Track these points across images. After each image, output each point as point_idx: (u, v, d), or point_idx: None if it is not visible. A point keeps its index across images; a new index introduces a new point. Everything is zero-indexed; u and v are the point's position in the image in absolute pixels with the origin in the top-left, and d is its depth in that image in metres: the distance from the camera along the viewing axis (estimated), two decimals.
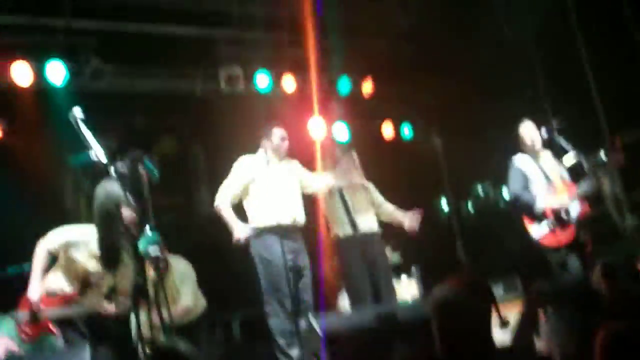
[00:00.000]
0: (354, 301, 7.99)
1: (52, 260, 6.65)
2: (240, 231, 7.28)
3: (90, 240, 5.61)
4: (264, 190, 7.47)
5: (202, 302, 8.35)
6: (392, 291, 8.17)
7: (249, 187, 7.56)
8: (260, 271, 7.31)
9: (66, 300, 6.58)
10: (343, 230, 8.03)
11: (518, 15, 10.53)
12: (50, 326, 6.61)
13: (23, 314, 6.59)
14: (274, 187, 7.46)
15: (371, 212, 8.24)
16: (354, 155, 8.39)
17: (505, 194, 10.83)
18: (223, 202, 7.51)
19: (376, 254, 8.05)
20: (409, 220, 8.22)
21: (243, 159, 7.70)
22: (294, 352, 7.02)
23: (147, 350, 5.50)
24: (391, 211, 8.38)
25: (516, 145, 8.15)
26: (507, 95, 10.02)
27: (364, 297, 7.75)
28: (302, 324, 6.76)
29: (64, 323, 6.48)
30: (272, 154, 7.62)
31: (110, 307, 6.44)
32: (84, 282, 6.46)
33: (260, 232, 7.33)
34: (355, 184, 8.25)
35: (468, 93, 10.83)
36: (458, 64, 10.78)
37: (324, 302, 8.00)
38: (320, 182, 7.94)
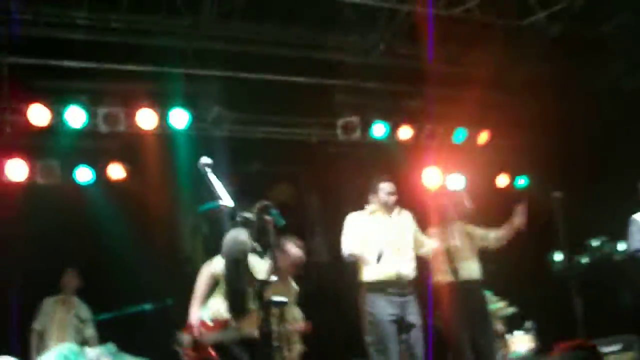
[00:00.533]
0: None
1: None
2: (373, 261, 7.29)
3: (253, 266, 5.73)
4: (371, 245, 7.40)
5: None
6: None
7: (362, 239, 7.51)
8: (366, 325, 7.29)
9: (224, 324, 6.78)
10: (444, 277, 8.02)
11: (635, 66, 10.40)
12: (210, 350, 6.77)
13: (187, 337, 6.83)
14: (381, 241, 7.38)
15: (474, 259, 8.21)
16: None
17: (621, 248, 10.64)
18: (351, 246, 7.46)
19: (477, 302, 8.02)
20: (517, 218, 8.18)
21: (351, 215, 7.70)
22: None
23: None
24: (497, 232, 8.36)
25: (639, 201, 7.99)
26: (628, 148, 9.83)
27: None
28: None
29: (222, 348, 6.69)
30: (379, 209, 7.63)
31: None
32: None
33: (368, 286, 7.31)
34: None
35: (587, 145, 10.70)
36: (576, 115, 10.67)
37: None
38: (429, 245, 7.87)
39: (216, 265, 6.84)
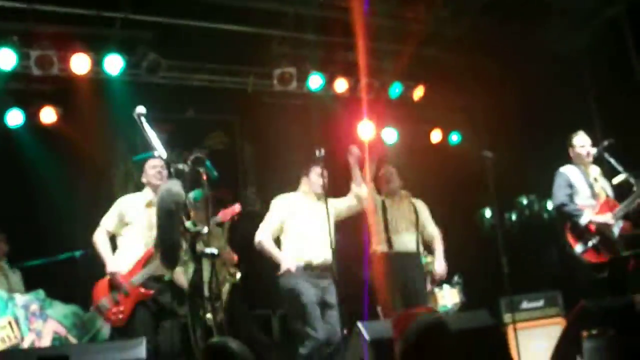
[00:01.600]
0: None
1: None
2: (289, 262, 7.34)
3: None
4: (298, 229, 7.52)
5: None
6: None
7: (285, 224, 7.61)
8: (289, 303, 7.39)
9: (144, 262, 6.88)
10: (381, 247, 8.10)
11: (572, 30, 10.52)
12: (142, 291, 6.79)
13: (105, 299, 6.82)
14: (307, 226, 7.49)
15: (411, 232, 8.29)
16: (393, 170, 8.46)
17: (550, 206, 10.86)
18: (265, 237, 7.56)
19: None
20: (438, 266, 8.31)
21: (281, 197, 7.77)
22: None
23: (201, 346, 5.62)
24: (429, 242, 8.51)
25: (567, 156, 8.12)
26: (557, 108, 10.00)
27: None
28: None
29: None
30: (309, 193, 7.70)
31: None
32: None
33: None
34: (400, 200, 8.36)
35: (518, 103, 10.85)
36: (509, 74, 10.80)
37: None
38: (349, 201, 7.93)
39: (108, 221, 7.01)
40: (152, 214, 6.61)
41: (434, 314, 4.25)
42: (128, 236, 7.05)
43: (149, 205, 7.00)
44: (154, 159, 7.03)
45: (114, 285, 6.81)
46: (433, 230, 8.44)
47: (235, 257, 8.76)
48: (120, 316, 6.76)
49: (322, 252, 7.31)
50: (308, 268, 7.36)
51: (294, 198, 7.75)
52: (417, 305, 7.62)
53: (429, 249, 8.55)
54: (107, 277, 6.87)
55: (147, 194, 7.16)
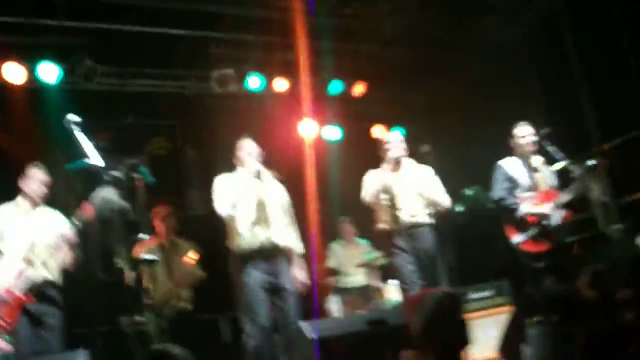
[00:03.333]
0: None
1: None
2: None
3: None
4: (243, 211, 7.17)
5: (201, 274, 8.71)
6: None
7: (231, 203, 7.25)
8: (238, 292, 7.23)
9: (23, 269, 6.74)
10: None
11: (510, 19, 10.62)
12: (24, 297, 6.68)
13: None
14: (251, 207, 7.17)
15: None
16: None
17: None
18: (225, 207, 7.16)
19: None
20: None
21: (220, 177, 7.41)
22: None
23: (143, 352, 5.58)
24: None
25: (509, 148, 8.17)
26: (498, 99, 10.08)
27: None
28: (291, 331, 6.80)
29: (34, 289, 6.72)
30: (245, 171, 7.31)
31: None
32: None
33: (239, 255, 7.18)
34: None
35: (460, 96, 10.92)
36: (449, 68, 10.87)
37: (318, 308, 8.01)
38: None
39: None
40: (28, 222, 6.86)
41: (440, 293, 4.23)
42: (6, 246, 6.92)
43: (25, 213, 7.03)
44: (39, 173, 7.09)
45: None
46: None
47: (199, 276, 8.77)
48: (8, 325, 6.62)
49: (273, 234, 7.12)
50: (255, 251, 7.12)
51: (232, 178, 7.38)
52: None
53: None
54: None
55: (21, 204, 7.11)
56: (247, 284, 7.03)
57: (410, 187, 7.85)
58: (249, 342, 7.01)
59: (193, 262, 8.47)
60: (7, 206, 7.13)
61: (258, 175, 7.12)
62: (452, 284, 8.06)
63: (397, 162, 7.87)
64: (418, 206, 7.81)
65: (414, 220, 7.73)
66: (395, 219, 7.64)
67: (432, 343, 3.83)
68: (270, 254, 7.11)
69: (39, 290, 6.78)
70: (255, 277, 7.03)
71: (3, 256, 6.92)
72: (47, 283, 6.91)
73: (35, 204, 7.11)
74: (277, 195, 7.42)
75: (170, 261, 8.77)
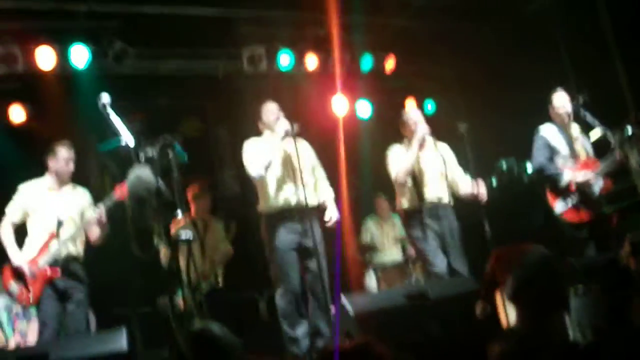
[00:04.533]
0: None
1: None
2: None
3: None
4: (273, 172, 7.25)
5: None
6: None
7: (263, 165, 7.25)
8: (268, 255, 7.27)
9: (48, 243, 6.93)
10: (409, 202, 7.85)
11: None
12: (49, 272, 6.83)
13: (13, 283, 6.91)
14: (280, 168, 7.26)
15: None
16: None
17: (529, 168, 10.85)
18: (259, 169, 7.20)
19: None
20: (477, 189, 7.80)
21: (249, 141, 7.48)
22: (299, 331, 7.08)
23: (183, 332, 5.59)
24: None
25: (546, 115, 8.07)
26: (530, 69, 9.95)
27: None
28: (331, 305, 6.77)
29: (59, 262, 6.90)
30: (271, 133, 7.36)
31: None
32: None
33: (268, 216, 7.26)
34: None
35: (491, 67, 10.80)
36: (480, 38, 10.76)
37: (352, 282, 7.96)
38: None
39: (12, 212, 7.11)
40: (54, 200, 7.08)
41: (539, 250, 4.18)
42: (33, 223, 7.14)
43: (52, 190, 7.21)
44: (64, 150, 7.27)
45: (19, 273, 6.89)
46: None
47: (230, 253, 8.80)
48: (31, 299, 6.85)
49: (301, 193, 7.08)
50: (285, 211, 7.19)
51: (260, 142, 7.45)
52: None
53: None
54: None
55: (48, 180, 7.28)
56: (276, 247, 7.11)
57: (434, 167, 7.83)
58: (279, 304, 7.04)
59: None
60: (35, 183, 7.29)
61: (287, 135, 7.11)
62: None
63: (422, 140, 7.80)
64: (442, 186, 7.76)
65: (438, 199, 7.72)
66: (420, 197, 7.58)
67: (529, 300, 3.77)
68: (301, 213, 7.12)
69: (63, 265, 6.91)
70: (285, 239, 7.11)
71: (30, 232, 7.10)
72: (72, 258, 7.08)
73: (62, 182, 7.28)
74: (306, 155, 7.46)
75: (204, 239, 8.83)
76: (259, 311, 9.46)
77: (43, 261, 6.86)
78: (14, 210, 7.17)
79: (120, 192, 6.80)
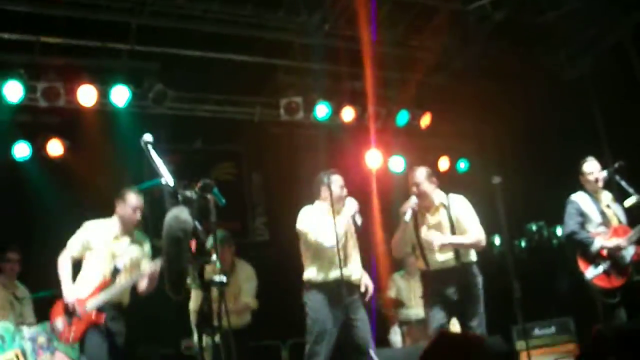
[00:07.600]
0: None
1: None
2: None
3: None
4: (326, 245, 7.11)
5: (255, 304, 8.67)
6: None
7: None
8: (310, 316, 7.16)
9: (101, 288, 6.92)
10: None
11: (576, 55, 10.54)
12: (94, 316, 6.82)
13: (60, 319, 6.93)
14: (331, 241, 7.05)
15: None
16: None
17: (559, 232, 10.82)
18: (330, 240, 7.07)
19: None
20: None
21: (309, 209, 7.34)
22: None
23: None
24: None
25: (577, 182, 8.07)
26: (564, 134, 9.98)
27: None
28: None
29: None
30: (329, 205, 7.10)
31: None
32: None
33: (312, 286, 7.19)
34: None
35: (526, 130, 10.82)
36: (516, 101, 10.80)
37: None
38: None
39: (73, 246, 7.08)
40: (116, 246, 7.05)
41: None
42: (90, 261, 7.11)
43: (116, 238, 7.15)
44: (134, 198, 7.18)
45: (68, 309, 6.89)
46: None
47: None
48: (72, 337, 6.85)
49: (349, 268, 7.12)
50: (329, 285, 7.10)
51: (315, 212, 7.33)
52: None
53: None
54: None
55: (114, 226, 7.20)
56: (317, 318, 7.06)
57: (441, 231, 7.47)
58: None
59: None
60: (101, 223, 7.25)
61: (354, 216, 7.13)
62: (516, 319, 7.86)
63: (429, 203, 7.65)
64: (446, 250, 7.39)
65: (443, 262, 7.36)
66: (426, 262, 7.48)
67: None
68: (347, 288, 7.05)
69: (109, 313, 6.90)
70: (328, 311, 7.05)
71: (85, 271, 7.10)
72: (119, 306, 7.06)
73: (127, 229, 7.22)
74: (352, 230, 7.39)
75: (231, 284, 8.82)
76: (280, 358, 9.44)
77: (91, 304, 6.86)
78: (75, 245, 7.12)
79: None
